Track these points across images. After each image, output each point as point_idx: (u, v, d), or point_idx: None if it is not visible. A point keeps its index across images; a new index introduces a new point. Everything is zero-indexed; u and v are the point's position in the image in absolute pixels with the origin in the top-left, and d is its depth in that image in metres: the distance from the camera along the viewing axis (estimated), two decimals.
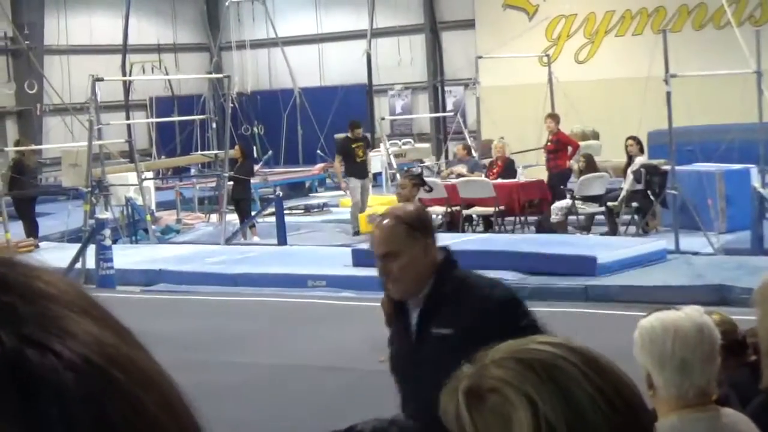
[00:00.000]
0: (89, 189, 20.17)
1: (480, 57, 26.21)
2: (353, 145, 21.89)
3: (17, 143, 25.31)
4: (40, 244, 21.33)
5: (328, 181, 30.19)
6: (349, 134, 22.31)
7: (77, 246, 18.83)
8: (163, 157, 32.00)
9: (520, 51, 28.15)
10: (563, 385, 1.68)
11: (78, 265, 18.20)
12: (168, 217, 23.85)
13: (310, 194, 29.14)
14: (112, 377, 0.67)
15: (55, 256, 19.83)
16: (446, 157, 29.62)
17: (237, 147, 23.17)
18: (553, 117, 21.84)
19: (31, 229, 22.04)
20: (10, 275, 0.69)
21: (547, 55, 27.57)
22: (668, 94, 17.69)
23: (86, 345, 0.68)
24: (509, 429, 1.68)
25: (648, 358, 3.49)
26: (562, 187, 20.74)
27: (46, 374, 0.65)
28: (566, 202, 19.89)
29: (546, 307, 14.41)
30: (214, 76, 30.36)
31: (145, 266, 18.06)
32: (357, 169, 21.79)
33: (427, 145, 31.71)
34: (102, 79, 21.52)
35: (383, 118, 29.60)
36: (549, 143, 21.53)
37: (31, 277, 0.70)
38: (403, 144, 29.85)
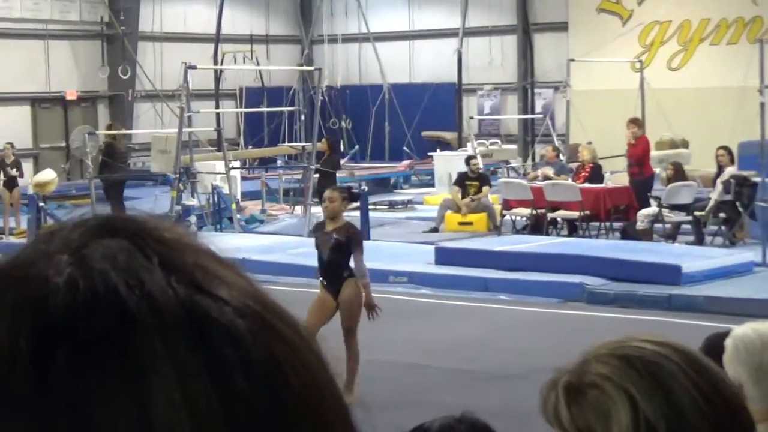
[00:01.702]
0: (177, 175, 20.36)
1: (572, 60, 26.03)
2: (467, 182, 21.85)
3: (109, 127, 25.62)
4: None
5: (413, 178, 30.18)
6: (468, 170, 22.11)
7: None
8: (250, 147, 32.19)
9: (613, 56, 27.94)
10: (663, 383, 1.67)
11: None
12: (253, 207, 23.98)
13: (395, 191, 29.14)
14: (271, 323, 0.71)
15: None
16: (533, 159, 29.48)
17: (324, 140, 23.23)
18: (635, 122, 21.55)
19: (119, 213, 22.27)
20: (161, 229, 0.73)
21: (640, 61, 27.30)
22: (762, 105, 17.45)
23: (244, 293, 0.71)
24: (608, 425, 1.67)
25: (743, 369, 3.41)
26: (648, 194, 20.52)
27: (219, 319, 0.68)
28: (653, 210, 19.69)
29: (628, 314, 14.36)
30: (305, 68, 30.47)
31: (229, 254, 18.12)
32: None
33: (513, 146, 31.60)
34: (195, 67, 21.70)
35: (472, 118, 29.56)
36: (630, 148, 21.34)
37: (179, 233, 0.75)
38: (491, 144, 29.76)
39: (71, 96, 32.74)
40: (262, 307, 0.71)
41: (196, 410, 0.64)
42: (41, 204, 19.95)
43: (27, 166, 25.82)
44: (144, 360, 0.65)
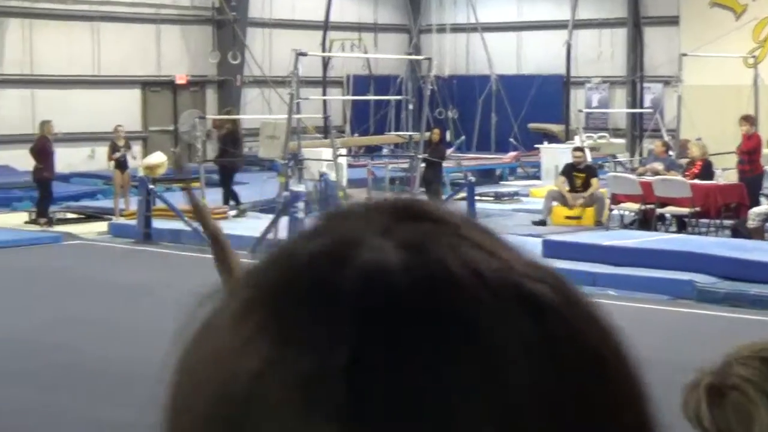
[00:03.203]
0: (285, 161, 20.48)
1: (684, 54, 25.69)
2: (574, 173, 21.73)
3: (227, 112, 25.73)
4: (233, 211, 21.75)
5: (519, 170, 30.04)
6: (573, 160, 22.00)
7: (270, 217, 19.13)
8: (356, 135, 32.29)
9: (725, 51, 27.54)
10: None
11: (270, 236, 18.49)
12: (358, 195, 24.04)
13: (501, 182, 29.04)
14: (578, 300, 0.70)
15: (248, 225, 20.22)
16: (641, 154, 29.18)
17: (436, 130, 23.20)
18: (748, 119, 21.25)
19: (230, 197, 22.47)
20: (453, 213, 0.71)
21: (754, 57, 26.88)
22: None
23: (544, 272, 0.70)
24: (750, 427, 1.66)
25: None
26: (759, 192, 20.21)
27: (544, 297, 0.67)
28: (765, 208, 19.38)
29: (739, 313, 14.14)
30: (415, 57, 30.45)
31: None
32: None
33: (621, 140, 31.29)
34: (305, 54, 21.80)
35: (580, 111, 29.33)
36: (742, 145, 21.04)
37: (468, 218, 0.72)
38: (599, 138, 29.51)
39: (181, 80, 33.10)
40: (562, 283, 0.70)
41: (541, 388, 0.64)
42: (151, 186, 20.19)
43: (136, 149, 26.13)
44: (492, 341, 0.64)
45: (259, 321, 0.65)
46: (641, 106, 32.33)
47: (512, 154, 30.32)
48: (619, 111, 33.62)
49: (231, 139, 23.30)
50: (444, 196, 22.23)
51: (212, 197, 21.16)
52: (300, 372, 0.63)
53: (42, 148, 23.25)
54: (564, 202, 21.46)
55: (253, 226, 19.73)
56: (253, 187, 24.10)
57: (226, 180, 22.67)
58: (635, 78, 33.81)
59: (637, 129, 32.21)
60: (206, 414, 0.65)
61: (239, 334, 0.65)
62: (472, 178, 21.39)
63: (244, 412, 0.63)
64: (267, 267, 0.69)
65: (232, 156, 22.87)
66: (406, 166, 24.91)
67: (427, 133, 23.11)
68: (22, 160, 25.77)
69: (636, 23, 33.84)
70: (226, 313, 0.67)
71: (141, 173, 22.13)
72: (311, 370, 0.63)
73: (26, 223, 22.94)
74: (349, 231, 0.68)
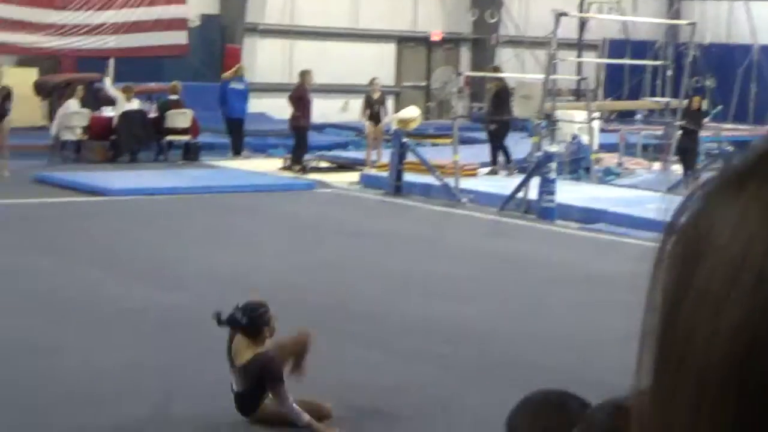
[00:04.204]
0: (539, 122, 20.36)
1: None
2: None
3: (494, 69, 25.57)
4: (504, 171, 21.63)
5: None
6: None
7: (521, 176, 19.09)
8: (609, 99, 31.83)
9: None
10: None
11: (520, 195, 18.44)
12: (609, 159, 23.72)
13: None
14: None
15: (499, 183, 20.23)
16: None
17: (697, 97, 22.66)
18: None
19: (499, 155, 22.26)
20: None
21: None
22: None
23: None
24: None
25: None
26: None
27: None
28: None
29: None
30: (678, 22, 29.77)
31: (585, 204, 18.07)
32: None
33: None
34: (566, 14, 21.57)
35: None
36: None
37: None
38: None
39: (435, 37, 33.25)
40: None
41: None
42: (404, 140, 20.37)
43: (389, 103, 26.39)
44: None
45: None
46: None
47: None
48: None
49: (500, 97, 23.17)
50: (698, 166, 21.75)
51: (465, 153, 21.19)
52: None
53: (300, 96, 23.75)
54: None
55: (504, 184, 19.72)
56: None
57: (496, 138, 22.49)
58: None
59: None
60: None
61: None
62: (730, 148, 20.80)
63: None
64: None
65: (500, 115, 22.75)
66: (659, 132, 24.43)
67: (686, 101, 22.59)
68: (279, 109, 26.39)
69: None
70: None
71: (394, 127, 22.34)
72: None
73: (280, 169, 23.51)
74: None
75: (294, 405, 7.78)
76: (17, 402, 8.22)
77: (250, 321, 7.91)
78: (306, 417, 7.79)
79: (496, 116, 22.36)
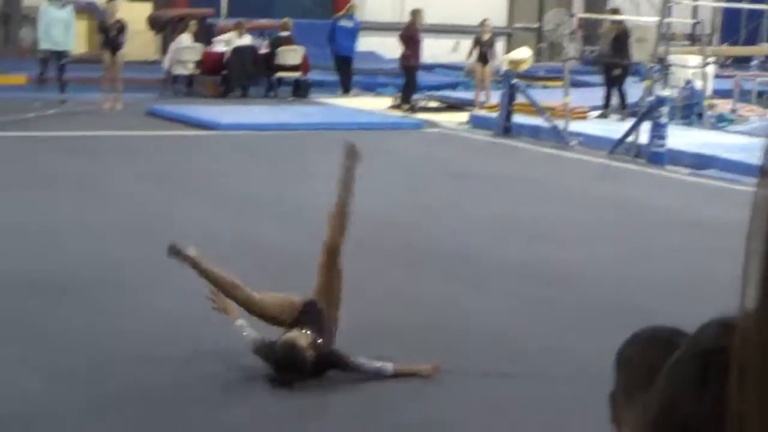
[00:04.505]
0: (652, 66, 20.08)
1: None
2: None
3: (613, 12, 25.14)
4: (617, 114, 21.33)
5: None
6: None
7: (632, 121, 18.87)
8: (724, 44, 31.23)
9: None
10: None
11: (630, 139, 18.24)
12: (723, 106, 23.32)
13: None
14: None
15: (608, 127, 20.02)
16: None
17: None
18: None
19: (613, 98, 21.92)
20: None
21: None
22: None
23: None
24: None
25: None
26: None
27: None
28: None
29: None
30: None
31: (697, 149, 17.81)
32: None
33: None
34: None
35: None
36: None
37: None
38: None
39: None
40: None
41: None
42: (514, 81, 20.23)
43: (499, 45, 26.21)
44: None
45: None
46: None
47: None
48: None
49: (620, 40, 22.77)
50: None
51: (575, 96, 20.97)
52: None
53: (411, 36, 23.70)
54: None
55: (614, 128, 19.52)
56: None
57: (612, 82, 22.09)
58: None
59: None
60: None
61: None
62: None
63: None
64: None
65: (620, 59, 22.38)
66: None
67: None
68: (389, 48, 26.35)
69: None
70: None
71: (505, 68, 22.20)
72: None
73: (389, 108, 23.52)
74: None
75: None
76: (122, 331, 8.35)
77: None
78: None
79: (616, 59, 21.99)
